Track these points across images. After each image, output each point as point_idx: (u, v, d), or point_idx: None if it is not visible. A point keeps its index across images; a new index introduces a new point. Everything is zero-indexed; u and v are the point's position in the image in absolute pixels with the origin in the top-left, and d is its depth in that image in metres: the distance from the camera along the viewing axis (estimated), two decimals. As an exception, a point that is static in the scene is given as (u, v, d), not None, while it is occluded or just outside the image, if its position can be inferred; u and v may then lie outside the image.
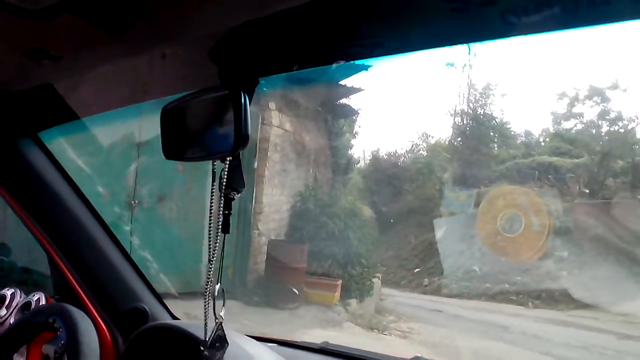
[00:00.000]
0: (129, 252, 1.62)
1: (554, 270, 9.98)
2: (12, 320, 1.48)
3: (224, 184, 0.81)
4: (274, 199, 8.48)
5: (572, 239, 10.51)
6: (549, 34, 0.70)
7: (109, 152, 5.91)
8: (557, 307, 8.99)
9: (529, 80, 23.45)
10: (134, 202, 6.72)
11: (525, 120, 25.79)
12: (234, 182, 0.82)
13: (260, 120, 8.04)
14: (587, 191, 11.92)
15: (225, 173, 0.81)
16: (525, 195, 11.45)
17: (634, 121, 12.97)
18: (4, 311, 1.49)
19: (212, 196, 0.82)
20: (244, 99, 0.78)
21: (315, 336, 6.40)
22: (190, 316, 1.71)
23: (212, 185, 0.81)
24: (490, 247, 10.46)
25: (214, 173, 0.81)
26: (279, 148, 8.54)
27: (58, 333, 1.09)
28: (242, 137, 0.78)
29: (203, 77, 0.92)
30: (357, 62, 0.89)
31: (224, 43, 0.80)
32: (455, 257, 10.98)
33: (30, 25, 0.77)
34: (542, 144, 15.25)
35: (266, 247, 8.15)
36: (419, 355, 1.60)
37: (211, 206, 0.82)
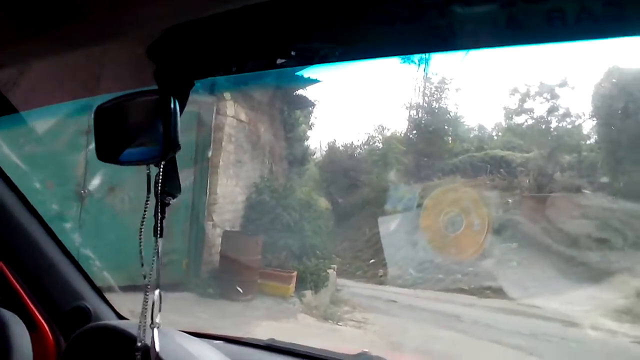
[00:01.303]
0: (78, 242, 1.58)
1: (505, 261, 10.30)
2: None
3: (159, 188, 0.79)
4: (228, 189, 8.41)
5: (522, 231, 10.86)
6: (495, 49, 0.71)
7: (54, 141, 5.73)
8: (506, 297, 9.26)
9: (483, 76, 23.89)
10: (84, 192, 6.56)
11: (478, 115, 26.34)
12: (169, 187, 0.81)
13: (214, 111, 7.95)
14: (537, 184, 12.29)
15: (160, 177, 0.79)
16: (476, 189, 11.75)
17: (581, 117, 13.43)
18: None
19: (146, 202, 0.80)
20: (173, 104, 0.77)
21: (269, 328, 6.41)
22: (136, 313, 1.68)
23: (147, 192, 0.79)
24: (441, 239, 10.67)
25: (148, 178, 0.79)
26: (233, 139, 8.46)
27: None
28: (171, 144, 0.76)
29: (141, 77, 0.90)
30: (300, 68, 0.88)
31: (160, 43, 0.78)
32: (409, 248, 11.17)
33: None
34: (495, 138, 15.65)
35: (221, 239, 8.08)
36: (366, 350, 1.62)
37: (145, 212, 0.80)
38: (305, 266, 8.53)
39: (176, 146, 0.77)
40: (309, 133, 12.70)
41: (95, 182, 6.64)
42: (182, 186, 0.84)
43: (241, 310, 7.15)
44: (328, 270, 9.16)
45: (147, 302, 0.85)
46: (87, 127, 6.11)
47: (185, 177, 7.18)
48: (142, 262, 0.81)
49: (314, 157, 14.88)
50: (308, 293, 8.25)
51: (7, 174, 1.47)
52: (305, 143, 12.44)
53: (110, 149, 0.83)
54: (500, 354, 6.53)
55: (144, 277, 0.82)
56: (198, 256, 7.88)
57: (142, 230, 0.80)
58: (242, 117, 8.72)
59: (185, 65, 0.82)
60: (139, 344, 0.88)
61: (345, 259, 12.17)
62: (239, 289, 7.39)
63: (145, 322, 0.86)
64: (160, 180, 0.79)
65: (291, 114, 10.96)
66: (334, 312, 8.17)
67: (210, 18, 0.71)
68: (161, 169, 0.79)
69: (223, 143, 8.12)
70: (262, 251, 8.09)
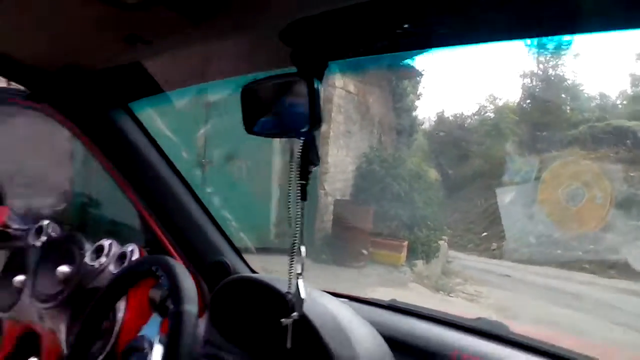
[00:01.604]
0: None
1: (630, 239, 9.60)
2: (111, 267, 1.65)
3: (301, 158, 0.91)
4: (339, 159, 8.58)
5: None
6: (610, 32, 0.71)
7: (180, 114, 6.15)
8: (631, 277, 8.66)
9: (604, 39, 21.86)
10: (205, 161, 7.00)
11: (600, 82, 24.38)
12: (310, 157, 0.92)
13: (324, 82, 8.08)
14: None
15: (300, 149, 0.91)
16: (599, 162, 10.98)
17: None
18: (104, 259, 1.67)
19: (291, 170, 0.93)
20: (316, 85, 0.87)
21: (382, 294, 6.53)
22: (265, 270, 1.85)
23: (291, 161, 0.92)
24: (560, 213, 10.14)
25: (292, 149, 0.91)
26: (342, 110, 8.58)
27: (160, 280, 1.24)
28: (316, 119, 0.87)
29: (276, 59, 1.03)
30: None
31: (293, 29, 0.88)
32: (524, 221, 10.75)
33: (128, 14, 0.89)
34: (619, 107, 14.44)
35: (332, 207, 8.30)
36: (483, 316, 1.63)
37: (290, 178, 0.92)
38: (416, 236, 8.56)
39: (320, 121, 0.87)
40: (417, 103, 12.54)
41: (215, 152, 7.05)
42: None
43: (354, 276, 7.34)
44: (439, 242, 9.13)
45: (293, 257, 1.02)
46: (205, 101, 6.49)
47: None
48: (290, 223, 0.94)
49: (423, 127, 14.68)
50: (419, 263, 8.29)
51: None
52: (414, 113, 12.30)
53: (257, 123, 0.96)
54: (623, 337, 6.17)
55: (294, 235, 0.95)
56: (311, 223, 8.15)
57: (290, 194, 0.93)
58: (351, 88, 8.80)
59: (319, 48, 0.92)
60: (290, 293, 1.02)
61: (457, 231, 12.00)
62: (351, 255, 7.57)
63: (293, 274, 1.02)
64: (301, 152, 0.91)
65: (399, 84, 10.86)
66: (446, 283, 8.14)
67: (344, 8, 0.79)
68: (302, 141, 0.90)
69: (332, 114, 8.27)
70: (373, 220, 8.22)
